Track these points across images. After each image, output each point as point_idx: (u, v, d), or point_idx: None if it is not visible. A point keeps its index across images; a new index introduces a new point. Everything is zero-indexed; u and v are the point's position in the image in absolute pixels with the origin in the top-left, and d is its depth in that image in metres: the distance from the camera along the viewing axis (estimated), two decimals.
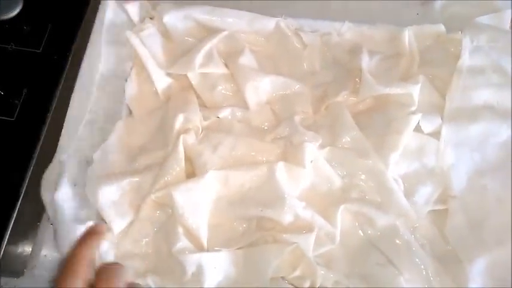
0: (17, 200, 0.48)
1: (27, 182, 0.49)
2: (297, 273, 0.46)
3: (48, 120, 0.51)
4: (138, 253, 0.48)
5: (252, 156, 0.52)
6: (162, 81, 0.56)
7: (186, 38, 0.59)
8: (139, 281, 0.46)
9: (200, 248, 0.47)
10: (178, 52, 0.58)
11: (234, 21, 0.58)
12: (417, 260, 0.47)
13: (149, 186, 0.49)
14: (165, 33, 0.59)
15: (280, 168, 0.49)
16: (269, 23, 0.59)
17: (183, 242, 0.46)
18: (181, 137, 0.50)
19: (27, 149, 0.50)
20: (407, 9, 0.66)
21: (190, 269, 0.45)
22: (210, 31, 0.58)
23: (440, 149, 0.53)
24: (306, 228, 0.48)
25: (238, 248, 0.47)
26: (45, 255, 0.51)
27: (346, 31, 0.60)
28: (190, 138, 0.51)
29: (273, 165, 0.49)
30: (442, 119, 0.54)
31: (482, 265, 0.47)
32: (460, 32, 0.59)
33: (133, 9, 0.60)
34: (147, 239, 0.48)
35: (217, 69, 0.56)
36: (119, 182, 0.49)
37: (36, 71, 0.54)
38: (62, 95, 0.54)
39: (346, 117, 0.53)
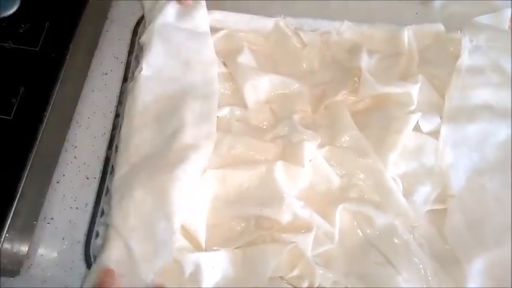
0: (14, 199, 0.47)
1: (24, 181, 0.48)
2: (296, 272, 0.46)
3: (45, 119, 0.51)
4: None
5: (250, 156, 0.52)
6: None
7: None
8: None
9: (198, 248, 0.46)
10: None
11: (234, 22, 0.58)
12: (416, 259, 0.47)
13: None
14: None
15: (279, 168, 0.49)
16: (268, 23, 0.59)
17: (181, 242, 0.46)
18: None
19: (24, 147, 0.50)
20: (407, 8, 0.66)
21: (188, 269, 0.44)
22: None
23: (439, 148, 0.53)
24: (305, 227, 0.48)
25: (236, 248, 0.47)
26: (41, 255, 0.51)
27: (345, 30, 0.60)
28: None
29: (271, 164, 0.49)
30: (441, 118, 0.54)
31: (481, 265, 0.47)
32: (459, 32, 0.59)
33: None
34: None
35: (217, 67, 0.55)
36: None
37: (33, 70, 0.53)
38: (60, 94, 0.53)
39: (345, 116, 0.53)
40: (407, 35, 0.59)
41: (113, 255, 0.44)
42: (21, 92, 0.52)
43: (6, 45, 0.54)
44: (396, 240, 0.48)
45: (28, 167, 0.49)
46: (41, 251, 0.51)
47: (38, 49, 0.54)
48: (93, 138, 0.57)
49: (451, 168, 0.52)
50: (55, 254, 0.51)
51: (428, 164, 0.52)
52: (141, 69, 0.54)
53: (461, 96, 0.55)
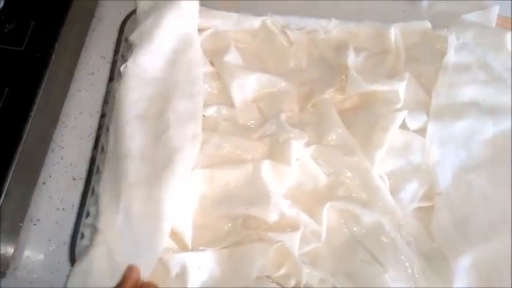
0: None
1: (8, 182, 0.48)
2: (282, 271, 0.46)
3: (30, 120, 0.50)
4: None
5: (237, 155, 0.51)
6: None
7: None
8: None
9: (184, 248, 0.46)
10: None
11: (220, 21, 0.58)
12: (403, 257, 0.47)
13: None
14: None
15: (266, 167, 0.49)
16: (255, 21, 0.59)
17: (166, 242, 0.45)
18: None
19: (9, 148, 0.49)
20: (395, 6, 0.66)
21: (175, 269, 0.44)
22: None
23: (425, 146, 0.53)
24: (292, 226, 0.48)
25: (223, 248, 0.47)
26: (27, 257, 0.51)
27: (332, 28, 0.60)
28: None
29: (258, 163, 0.49)
30: (427, 115, 0.54)
31: (468, 262, 0.47)
32: (446, 29, 0.59)
33: None
34: None
35: (203, 67, 0.55)
36: None
37: (18, 70, 0.53)
38: (45, 94, 0.53)
39: (332, 114, 0.53)
40: (393, 32, 0.59)
41: (96, 259, 0.44)
42: (5, 92, 0.51)
43: None
44: (383, 238, 0.48)
45: (13, 168, 0.48)
46: (27, 252, 0.51)
47: (22, 49, 0.54)
48: (80, 139, 0.56)
49: (438, 165, 0.52)
50: (41, 256, 0.51)
51: (415, 162, 0.52)
52: (128, 68, 0.54)
53: (448, 93, 0.55)
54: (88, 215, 0.49)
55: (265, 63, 0.59)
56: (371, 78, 0.54)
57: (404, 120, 0.53)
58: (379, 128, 0.52)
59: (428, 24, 0.60)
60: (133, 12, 0.59)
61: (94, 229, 0.48)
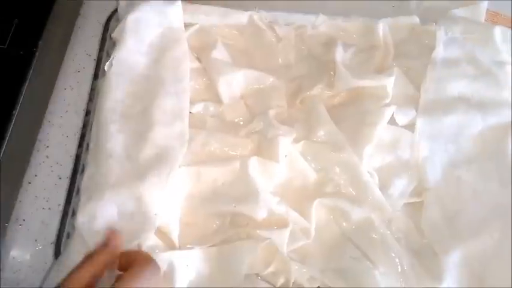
0: None
1: None
2: (271, 269, 0.46)
3: (14, 118, 0.50)
4: None
5: (225, 152, 0.51)
6: None
7: None
8: None
9: (171, 247, 0.46)
10: None
11: (207, 16, 0.57)
12: (392, 253, 0.47)
13: None
14: None
15: (253, 163, 0.49)
16: (242, 17, 0.59)
17: (153, 240, 0.45)
18: None
19: None
20: (384, 1, 0.66)
21: (162, 268, 0.43)
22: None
23: (414, 141, 0.53)
24: (281, 223, 0.47)
25: (211, 246, 0.46)
26: (13, 257, 0.50)
27: (320, 24, 0.60)
28: None
29: (246, 160, 0.49)
30: (416, 111, 0.54)
31: (458, 257, 0.47)
32: (434, 24, 0.59)
33: None
34: None
35: (189, 63, 0.55)
36: None
37: (1, 68, 0.52)
38: (29, 92, 0.52)
39: (320, 110, 0.53)
40: (382, 28, 0.59)
41: (75, 258, 0.43)
42: None
43: None
44: (373, 235, 0.48)
45: None
46: (13, 253, 0.50)
47: (5, 47, 0.53)
48: (66, 137, 0.56)
49: (427, 161, 0.52)
50: (27, 256, 0.50)
51: (404, 157, 0.52)
52: (111, 65, 0.53)
53: (437, 88, 0.55)
54: (73, 214, 0.49)
55: (253, 59, 0.58)
56: (359, 74, 0.54)
57: (393, 115, 0.53)
58: (367, 124, 0.51)
59: (417, 20, 0.60)
60: (117, 10, 0.59)
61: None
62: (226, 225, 0.48)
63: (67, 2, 0.60)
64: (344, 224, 0.49)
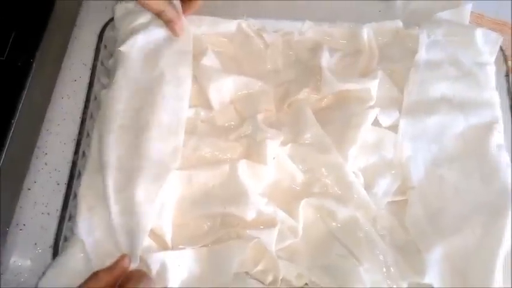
0: None
1: None
2: (260, 267, 0.47)
3: (12, 126, 0.52)
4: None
5: (215, 156, 0.53)
6: None
7: None
8: None
9: (164, 247, 0.48)
10: None
11: (196, 25, 0.59)
12: (377, 250, 0.48)
13: None
14: None
15: (242, 166, 0.50)
16: (231, 25, 0.60)
17: (147, 242, 0.47)
18: None
19: None
20: (370, 6, 0.67)
21: (155, 268, 0.45)
22: None
23: (398, 141, 0.54)
24: (269, 223, 0.49)
25: (202, 246, 0.48)
26: (14, 261, 0.52)
27: (307, 30, 0.61)
28: None
29: (235, 163, 0.50)
30: (400, 112, 0.56)
31: (440, 253, 0.48)
32: (417, 28, 0.61)
33: None
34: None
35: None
36: None
37: (0, 78, 0.54)
38: (28, 101, 0.54)
39: (307, 114, 0.54)
40: (366, 32, 0.60)
41: (71, 262, 0.45)
42: None
43: None
44: (358, 233, 0.49)
45: None
46: (13, 257, 0.52)
47: (4, 58, 0.55)
48: (64, 145, 0.58)
49: (410, 160, 0.53)
50: (27, 260, 0.52)
51: (388, 157, 0.53)
52: (117, 79, 0.54)
53: (420, 90, 0.56)
54: (70, 218, 0.51)
55: (242, 66, 0.60)
56: (344, 78, 0.56)
57: (376, 117, 0.54)
58: (352, 126, 0.53)
59: (400, 24, 0.61)
60: (111, 20, 0.60)
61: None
62: (216, 226, 0.49)
63: (63, 14, 0.62)
64: (330, 222, 0.50)
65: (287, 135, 0.54)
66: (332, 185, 0.52)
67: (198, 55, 0.57)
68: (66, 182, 0.53)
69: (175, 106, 0.54)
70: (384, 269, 0.48)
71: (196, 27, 0.59)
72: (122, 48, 0.56)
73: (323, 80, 0.56)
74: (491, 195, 0.51)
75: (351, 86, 0.55)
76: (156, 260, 0.45)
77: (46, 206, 0.55)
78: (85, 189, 0.50)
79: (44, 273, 0.46)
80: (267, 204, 0.49)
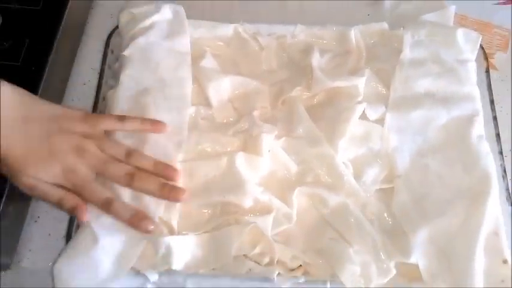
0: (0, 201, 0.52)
1: (9, 184, 0.53)
2: (257, 250, 0.50)
3: None
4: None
5: (215, 149, 0.57)
6: None
7: None
8: None
9: (171, 232, 0.51)
10: None
11: (195, 29, 0.64)
12: (366, 234, 0.52)
13: None
14: None
15: (240, 158, 0.54)
16: (228, 29, 0.65)
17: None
18: None
19: None
20: (359, 9, 0.72)
21: (161, 251, 0.49)
22: None
23: (384, 134, 0.58)
24: (265, 210, 0.52)
25: (204, 232, 0.52)
26: (30, 250, 0.56)
27: (299, 33, 0.66)
28: None
29: (233, 155, 0.54)
30: (386, 107, 0.59)
31: (425, 235, 0.51)
32: (402, 29, 0.65)
33: None
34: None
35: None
36: None
37: (16, 83, 0.58)
38: None
39: (300, 110, 0.58)
40: (354, 34, 0.64)
41: (82, 244, 0.49)
42: None
43: None
44: (349, 218, 0.52)
45: None
46: (29, 246, 0.56)
47: (19, 64, 0.60)
48: None
49: (396, 151, 0.56)
50: (43, 249, 0.56)
51: (375, 149, 0.57)
52: (121, 81, 0.59)
53: (405, 86, 0.60)
54: None
55: (239, 67, 0.64)
56: (334, 76, 0.60)
57: (364, 111, 0.58)
58: (341, 120, 0.57)
59: (386, 26, 0.65)
60: (117, 27, 0.65)
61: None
62: (217, 213, 0.53)
63: (72, 22, 0.67)
64: (322, 209, 0.54)
65: (281, 129, 0.57)
66: (324, 174, 0.55)
67: (197, 58, 0.62)
68: None
69: (178, 106, 0.58)
70: (373, 251, 0.51)
71: (195, 29, 0.63)
72: (125, 53, 0.60)
73: (314, 79, 0.60)
74: (473, 181, 0.54)
75: (340, 83, 0.59)
76: (162, 244, 0.49)
77: None
78: None
79: (57, 258, 0.50)
80: (263, 193, 0.53)
